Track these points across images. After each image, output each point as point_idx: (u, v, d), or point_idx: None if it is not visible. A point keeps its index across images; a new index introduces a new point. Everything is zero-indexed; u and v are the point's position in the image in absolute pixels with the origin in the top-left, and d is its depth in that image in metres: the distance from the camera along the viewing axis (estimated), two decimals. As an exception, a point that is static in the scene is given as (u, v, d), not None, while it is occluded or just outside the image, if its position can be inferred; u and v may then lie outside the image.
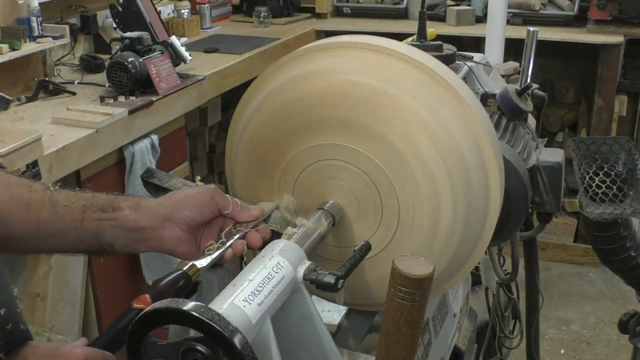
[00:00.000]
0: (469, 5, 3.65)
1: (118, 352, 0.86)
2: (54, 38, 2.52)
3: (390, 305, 0.89)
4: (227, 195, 1.02)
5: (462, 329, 1.68)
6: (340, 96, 1.03)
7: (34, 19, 2.47)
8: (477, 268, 2.00)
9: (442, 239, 1.05)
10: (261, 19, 3.69)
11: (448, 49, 1.60)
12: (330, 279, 0.90)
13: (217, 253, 0.96)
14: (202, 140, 3.38)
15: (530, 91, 1.63)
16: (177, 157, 2.63)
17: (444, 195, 1.02)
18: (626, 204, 1.39)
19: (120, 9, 2.72)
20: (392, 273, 0.88)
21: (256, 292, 0.84)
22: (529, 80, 1.70)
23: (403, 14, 3.80)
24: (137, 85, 2.41)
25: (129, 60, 2.39)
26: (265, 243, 0.99)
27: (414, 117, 1.01)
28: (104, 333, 0.88)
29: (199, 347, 0.77)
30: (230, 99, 3.16)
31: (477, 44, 3.35)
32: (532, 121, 1.67)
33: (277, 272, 0.89)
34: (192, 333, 0.77)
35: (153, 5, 2.80)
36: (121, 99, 2.39)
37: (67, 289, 2.10)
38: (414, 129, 1.01)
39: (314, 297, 1.04)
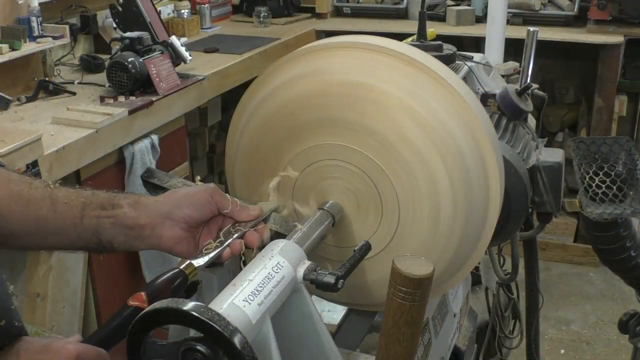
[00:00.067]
0: (469, 5, 3.65)
1: (116, 349, 0.86)
2: (54, 38, 2.52)
3: (390, 305, 0.89)
4: (226, 194, 1.02)
5: (462, 329, 1.68)
6: (326, 96, 1.04)
7: (34, 19, 2.47)
8: (477, 268, 2.00)
9: (442, 239, 1.05)
10: (261, 19, 3.69)
11: (448, 49, 1.60)
12: (330, 279, 0.90)
13: (214, 252, 0.95)
14: (202, 140, 3.38)
15: (530, 91, 1.63)
16: (177, 157, 2.63)
17: (444, 195, 1.02)
18: (626, 204, 1.39)
19: (120, 9, 2.72)
20: (392, 273, 0.88)
21: (256, 292, 0.84)
22: (529, 80, 1.70)
23: (403, 14, 3.80)
24: (137, 85, 2.41)
25: (129, 60, 2.39)
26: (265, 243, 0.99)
27: (413, 116, 1.01)
28: (99, 330, 0.88)
29: (199, 347, 0.77)
30: (230, 99, 3.16)
31: (477, 44, 3.35)
32: (532, 121, 1.67)
33: (277, 272, 0.89)
34: (192, 333, 0.78)
35: (153, 5, 2.80)
36: (121, 99, 2.39)
37: (67, 289, 2.10)
38: (413, 128, 1.01)
39: (314, 297, 1.04)
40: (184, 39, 2.80)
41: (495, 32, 2.65)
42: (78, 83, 2.64)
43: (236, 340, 0.75)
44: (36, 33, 2.48)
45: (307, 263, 0.94)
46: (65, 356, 0.82)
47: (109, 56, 2.62)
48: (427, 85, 1.05)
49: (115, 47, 2.64)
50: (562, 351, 3.03)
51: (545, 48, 2.76)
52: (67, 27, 2.60)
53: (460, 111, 1.05)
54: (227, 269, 1.03)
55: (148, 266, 2.37)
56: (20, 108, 2.37)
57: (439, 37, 1.75)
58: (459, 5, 3.66)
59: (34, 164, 1.90)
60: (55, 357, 0.82)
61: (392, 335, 0.90)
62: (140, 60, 2.43)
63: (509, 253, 1.93)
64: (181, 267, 0.91)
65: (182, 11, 3.42)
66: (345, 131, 1.03)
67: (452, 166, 1.02)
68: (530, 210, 1.50)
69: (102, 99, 2.40)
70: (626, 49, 3.29)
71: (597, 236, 1.50)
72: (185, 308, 0.76)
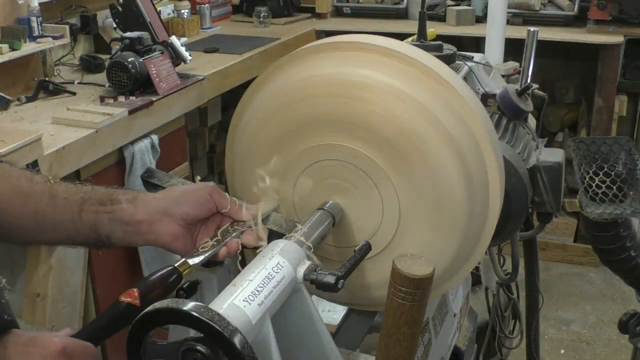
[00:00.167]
0: (469, 5, 3.65)
1: (116, 349, 0.86)
2: (54, 38, 2.52)
3: (390, 305, 0.89)
4: (225, 193, 1.02)
5: (462, 329, 1.68)
6: (326, 96, 1.03)
7: (34, 19, 2.47)
8: (477, 268, 1.99)
9: (443, 239, 1.05)
10: (261, 19, 3.69)
11: (448, 49, 1.60)
12: (330, 279, 0.90)
13: (211, 251, 0.95)
14: (202, 140, 3.38)
15: (530, 91, 1.63)
16: (177, 157, 2.63)
17: (444, 195, 1.02)
18: (626, 204, 1.39)
19: (120, 9, 2.72)
20: (392, 273, 0.88)
21: (256, 292, 0.84)
22: (529, 80, 1.70)
23: (403, 14, 3.80)
24: (137, 85, 2.41)
25: (129, 60, 2.39)
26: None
27: (413, 116, 1.01)
28: (89, 324, 0.88)
29: (199, 347, 0.77)
30: (230, 99, 3.16)
31: (477, 44, 3.35)
32: (532, 121, 1.67)
33: (277, 272, 0.89)
34: (192, 333, 0.77)
35: (153, 5, 2.80)
36: (121, 99, 2.39)
37: (67, 289, 2.10)
38: (413, 128, 1.01)
39: (314, 297, 1.04)
40: (184, 39, 2.80)
41: (495, 32, 2.65)
42: (78, 83, 2.64)
43: (236, 340, 0.75)
44: (36, 33, 2.48)
45: (307, 263, 0.94)
46: (51, 349, 0.82)
47: (109, 56, 2.62)
48: (427, 85, 1.05)
49: (115, 47, 2.64)
50: (562, 351, 3.03)
51: (545, 48, 2.76)
52: (67, 27, 2.60)
53: (460, 111, 1.05)
54: (227, 269, 1.03)
55: (148, 266, 2.37)
56: (20, 108, 2.37)
57: (439, 37, 1.75)
58: (459, 5, 3.66)
59: (34, 164, 1.91)
60: (42, 349, 0.83)
61: (392, 335, 0.90)
62: (140, 60, 2.43)
63: (509, 253, 1.93)
64: (175, 265, 0.91)
65: (182, 11, 3.42)
66: (346, 131, 1.03)
67: (452, 166, 1.02)
68: (530, 210, 1.50)
69: (102, 99, 2.40)
70: (626, 49, 3.29)
71: (597, 236, 1.50)
72: (185, 308, 0.76)
